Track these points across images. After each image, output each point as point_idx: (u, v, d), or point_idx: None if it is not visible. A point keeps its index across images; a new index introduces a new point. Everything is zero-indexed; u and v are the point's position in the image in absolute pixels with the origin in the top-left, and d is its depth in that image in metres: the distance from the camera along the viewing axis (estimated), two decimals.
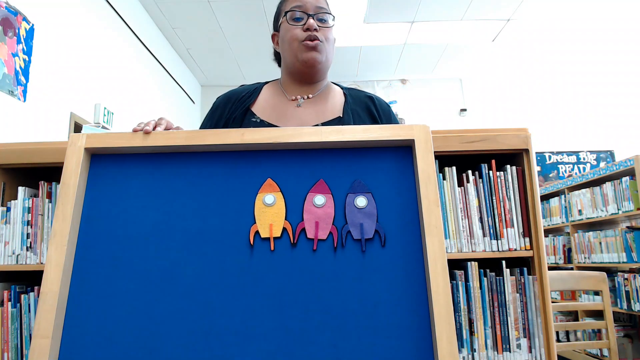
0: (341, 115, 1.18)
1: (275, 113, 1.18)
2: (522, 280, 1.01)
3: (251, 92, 1.23)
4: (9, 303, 1.03)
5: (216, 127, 1.19)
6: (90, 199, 0.79)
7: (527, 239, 1.05)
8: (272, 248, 0.76)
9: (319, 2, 1.19)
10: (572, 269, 3.83)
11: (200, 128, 1.20)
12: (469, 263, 1.00)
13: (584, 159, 5.69)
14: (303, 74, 1.20)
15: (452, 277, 1.01)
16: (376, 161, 0.81)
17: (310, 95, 1.22)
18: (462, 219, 1.06)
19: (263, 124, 1.15)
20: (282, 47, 1.22)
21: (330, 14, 1.20)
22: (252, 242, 0.76)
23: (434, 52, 5.26)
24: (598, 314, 3.38)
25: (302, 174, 0.80)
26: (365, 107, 1.22)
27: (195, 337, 0.71)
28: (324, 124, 1.15)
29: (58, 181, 1.06)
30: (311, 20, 1.15)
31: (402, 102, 5.86)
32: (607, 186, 3.30)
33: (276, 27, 1.25)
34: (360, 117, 1.19)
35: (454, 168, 1.09)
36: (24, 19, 2.49)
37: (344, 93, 1.26)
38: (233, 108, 1.20)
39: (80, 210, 0.78)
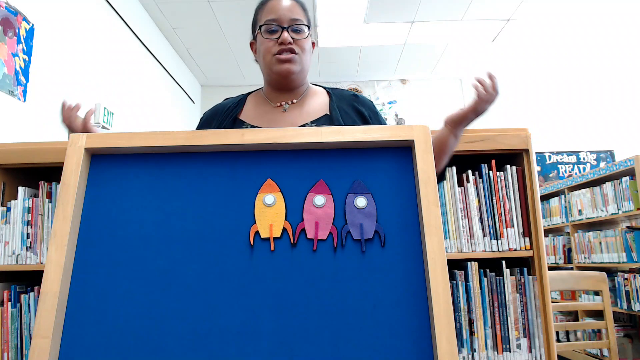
0: (328, 113, 1.21)
1: (264, 119, 1.22)
2: (522, 280, 1.01)
3: (236, 103, 1.27)
4: (9, 303, 1.03)
5: None
6: (90, 199, 0.79)
7: (527, 239, 1.05)
8: (272, 248, 0.76)
9: (293, 13, 1.18)
10: (572, 269, 3.83)
11: None
12: (469, 263, 1.00)
13: (584, 159, 5.69)
14: (280, 84, 1.23)
15: (452, 277, 1.01)
16: (376, 161, 0.81)
17: (295, 100, 1.24)
18: (462, 219, 1.06)
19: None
20: (258, 58, 1.24)
21: (306, 25, 1.20)
22: (252, 243, 0.76)
23: (434, 52, 5.26)
24: (598, 314, 3.38)
25: (302, 174, 0.80)
26: (350, 104, 1.25)
27: (195, 337, 0.71)
28: (312, 122, 1.19)
29: (58, 181, 1.06)
30: (285, 34, 1.15)
31: (402, 102, 5.86)
32: (607, 186, 3.30)
33: (253, 35, 1.26)
34: (347, 113, 1.23)
35: (454, 168, 1.09)
36: (24, 19, 2.49)
37: (328, 92, 1.29)
38: (221, 119, 1.24)
39: (80, 210, 0.78)
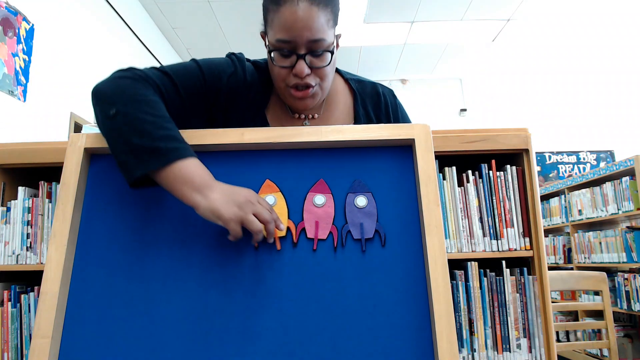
0: (353, 123, 1.07)
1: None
2: (522, 280, 1.01)
3: (262, 90, 1.03)
4: (9, 303, 1.03)
5: (206, 88, 0.96)
6: (90, 199, 0.79)
7: (527, 239, 1.05)
8: (279, 247, 0.75)
9: (313, 31, 0.87)
10: (572, 269, 3.83)
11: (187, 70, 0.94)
12: (469, 263, 1.00)
13: (584, 159, 5.69)
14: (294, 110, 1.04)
15: (452, 277, 1.01)
16: (376, 161, 0.81)
17: (316, 115, 1.05)
18: (462, 219, 1.06)
19: None
20: (270, 71, 0.98)
21: (330, 50, 0.91)
22: (256, 245, 0.76)
23: (434, 52, 5.26)
24: (598, 314, 3.38)
25: (302, 173, 0.80)
26: (375, 107, 1.10)
27: (195, 337, 0.70)
28: None
29: (58, 181, 1.06)
30: (301, 65, 0.89)
31: (402, 102, 5.85)
32: (607, 186, 3.30)
33: (264, 29, 0.98)
34: (372, 120, 1.09)
35: (454, 168, 1.08)
36: (24, 19, 2.49)
37: (352, 89, 1.10)
38: (245, 104, 1.01)
39: (80, 210, 0.78)
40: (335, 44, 0.95)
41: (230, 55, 1.02)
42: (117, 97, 0.79)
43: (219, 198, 0.72)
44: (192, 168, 0.74)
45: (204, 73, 0.95)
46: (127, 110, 0.77)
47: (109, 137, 0.78)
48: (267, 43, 0.96)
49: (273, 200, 0.78)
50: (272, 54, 0.92)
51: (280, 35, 0.88)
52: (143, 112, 0.77)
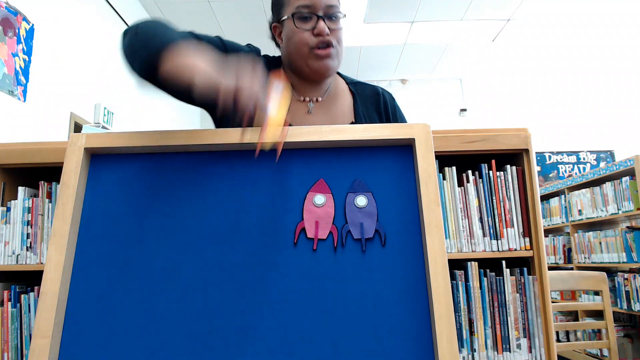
0: (354, 121, 1.15)
1: (289, 112, 1.10)
2: (522, 280, 1.01)
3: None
4: (9, 303, 1.03)
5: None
6: (90, 199, 0.79)
7: (527, 239, 1.05)
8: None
9: None
10: (572, 269, 3.83)
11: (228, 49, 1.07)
12: (469, 263, 1.00)
13: (584, 159, 5.70)
14: (312, 79, 1.13)
15: (452, 277, 1.01)
16: (376, 160, 0.81)
17: (320, 99, 1.15)
18: (462, 219, 1.06)
19: None
20: (287, 47, 1.11)
21: (341, 13, 1.09)
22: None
23: (434, 52, 5.27)
24: (598, 314, 3.38)
25: (301, 173, 0.80)
26: (374, 107, 1.18)
27: (195, 337, 0.70)
28: None
29: (58, 181, 1.06)
30: (321, 24, 1.04)
31: (402, 102, 5.83)
32: (607, 186, 3.30)
33: (277, 17, 1.14)
34: (372, 118, 1.16)
35: (454, 168, 1.09)
36: (24, 19, 2.49)
37: (351, 90, 1.20)
38: None
39: (80, 210, 0.78)
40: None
41: (249, 44, 1.16)
42: (146, 26, 0.86)
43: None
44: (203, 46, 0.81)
45: (227, 48, 1.07)
46: (151, 26, 0.85)
47: (130, 46, 0.84)
48: (279, 32, 1.12)
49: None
50: (294, 20, 1.06)
51: (301, 1, 1.05)
52: (165, 28, 0.86)
